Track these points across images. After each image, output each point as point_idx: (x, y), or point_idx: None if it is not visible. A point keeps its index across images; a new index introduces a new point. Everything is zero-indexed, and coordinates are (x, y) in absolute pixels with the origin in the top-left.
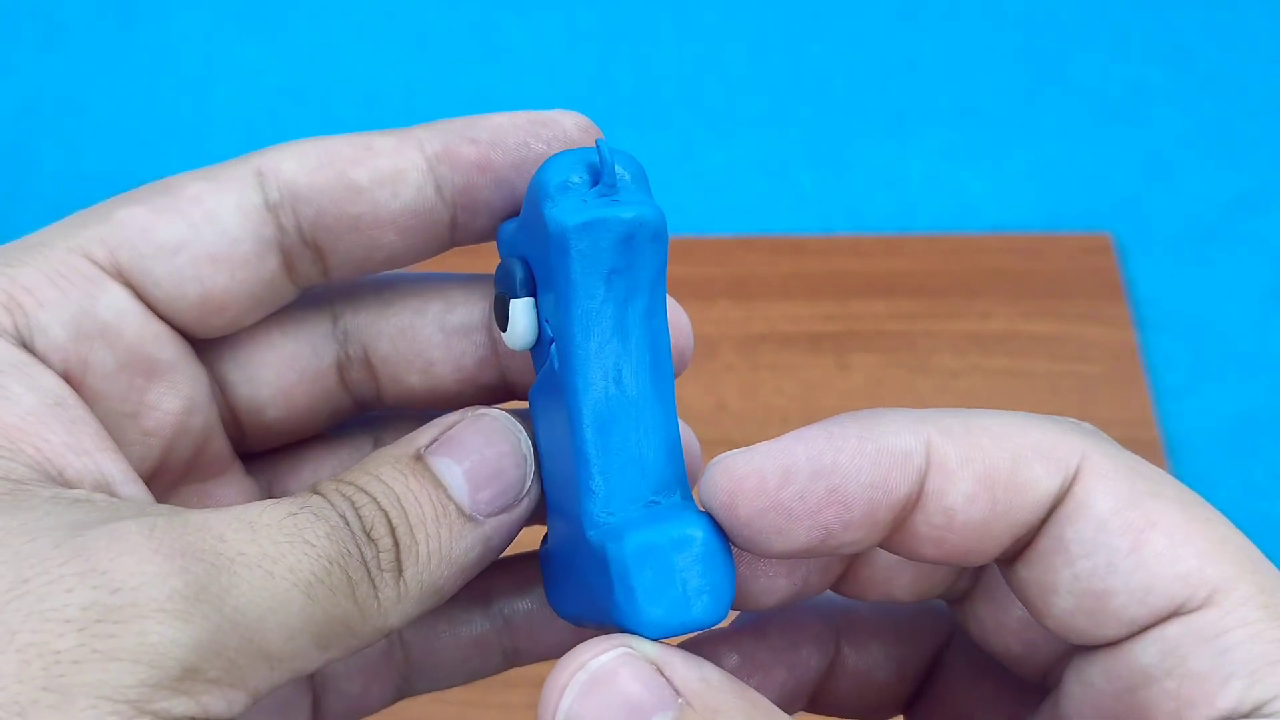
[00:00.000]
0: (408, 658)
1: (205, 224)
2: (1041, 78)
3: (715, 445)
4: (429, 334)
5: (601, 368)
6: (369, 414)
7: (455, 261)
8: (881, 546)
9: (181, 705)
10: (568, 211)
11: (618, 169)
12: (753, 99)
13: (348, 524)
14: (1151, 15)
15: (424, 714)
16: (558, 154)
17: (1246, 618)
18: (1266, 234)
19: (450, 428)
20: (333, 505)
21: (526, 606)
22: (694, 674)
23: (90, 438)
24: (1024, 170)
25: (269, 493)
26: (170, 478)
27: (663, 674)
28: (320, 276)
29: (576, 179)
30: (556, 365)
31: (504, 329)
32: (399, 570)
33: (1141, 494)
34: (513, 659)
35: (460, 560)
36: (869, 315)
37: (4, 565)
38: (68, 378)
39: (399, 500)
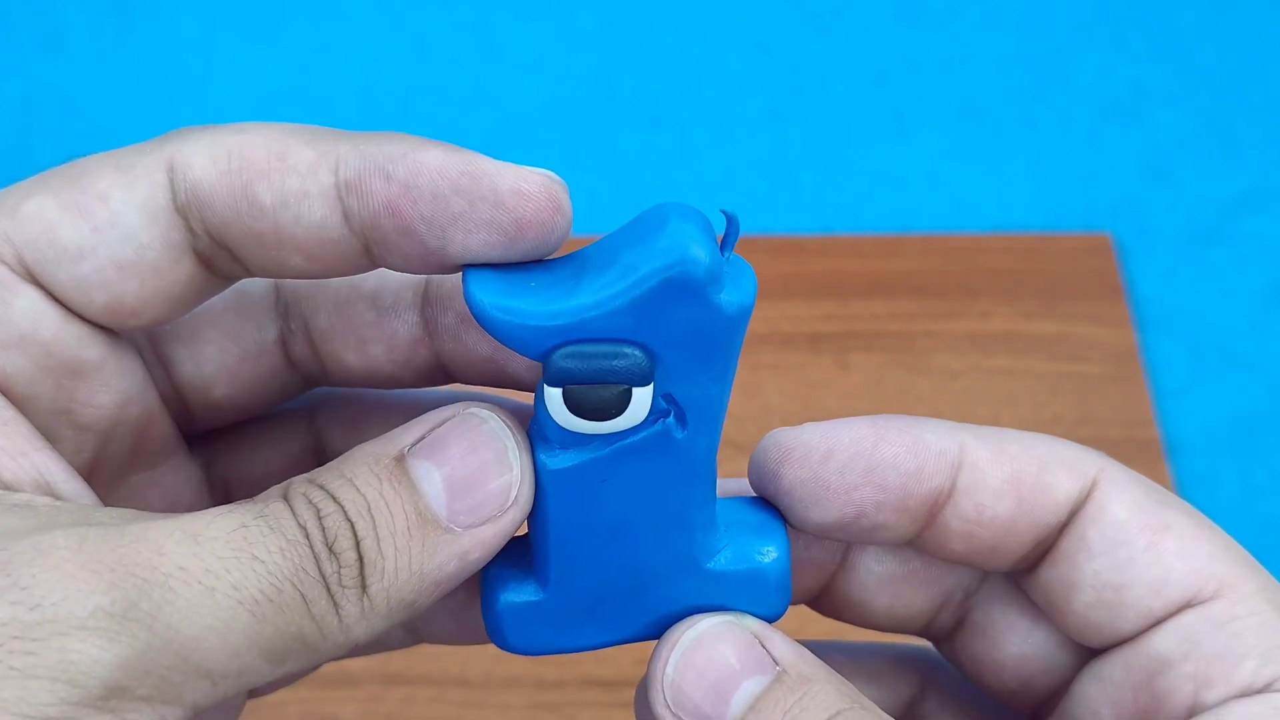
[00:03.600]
0: None
1: (110, 228)
2: (1041, 78)
3: None
4: (361, 310)
5: (720, 426)
6: (310, 393)
7: None
8: (914, 545)
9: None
10: (732, 289)
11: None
12: (753, 99)
13: (308, 537)
14: (1151, 16)
15: (424, 714)
16: (690, 224)
17: (1254, 608)
18: (1266, 234)
19: (438, 426)
20: (294, 514)
21: None
22: (790, 648)
23: (23, 438)
24: (1024, 170)
25: (207, 474)
26: (112, 469)
27: (763, 645)
28: (244, 273)
29: (709, 254)
30: (682, 445)
31: (610, 417)
32: (363, 586)
33: (1155, 503)
34: (417, 636)
35: (434, 576)
36: (869, 315)
37: None
38: None
39: (369, 509)
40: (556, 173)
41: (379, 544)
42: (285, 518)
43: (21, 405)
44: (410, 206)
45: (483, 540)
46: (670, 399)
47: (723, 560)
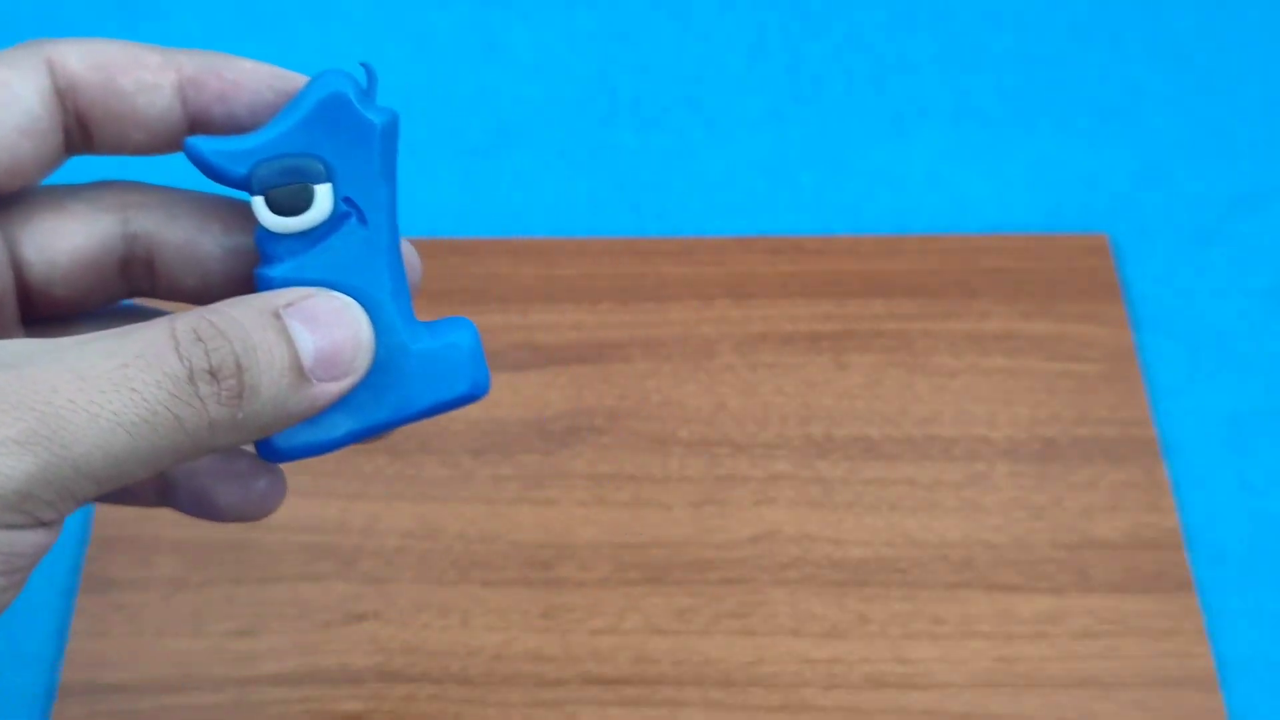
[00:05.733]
0: None
1: (14, 103)
2: (1039, 79)
3: (715, 445)
4: (209, 249)
5: (396, 224)
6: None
7: None
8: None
9: (18, 518)
10: (377, 112)
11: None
12: (752, 99)
13: (189, 368)
14: (1148, 16)
15: (425, 711)
16: (338, 72)
17: None
18: (1263, 234)
19: (304, 294)
20: (177, 348)
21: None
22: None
23: None
24: (1022, 171)
25: None
26: None
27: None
28: (87, 150)
29: (353, 84)
30: (364, 237)
31: (300, 213)
32: (238, 406)
33: None
34: (198, 507)
35: (289, 411)
36: (867, 315)
37: None
38: None
39: (255, 349)
40: (556, 172)
41: (259, 377)
42: (166, 353)
43: None
44: (236, 96)
45: (329, 393)
46: (350, 202)
47: (425, 343)
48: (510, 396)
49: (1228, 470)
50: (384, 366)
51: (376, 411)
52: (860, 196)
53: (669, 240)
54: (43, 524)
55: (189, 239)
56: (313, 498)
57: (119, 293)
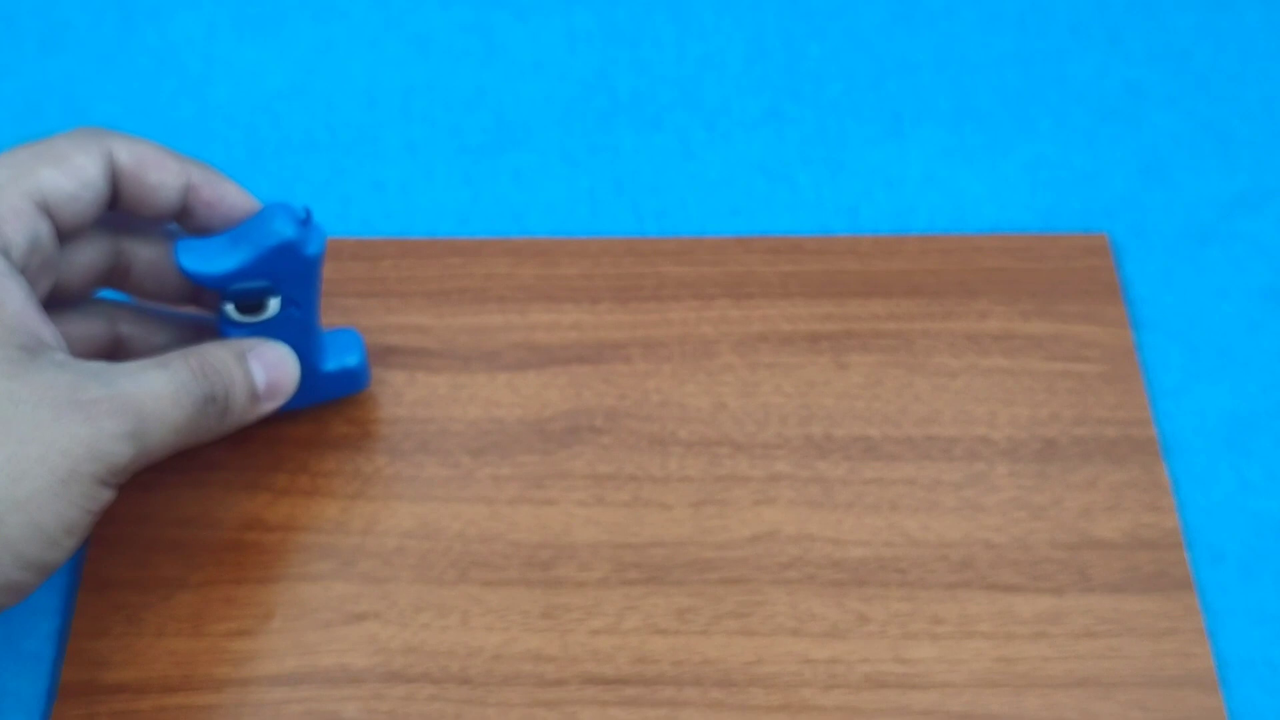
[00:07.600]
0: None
1: (91, 183)
2: (1038, 79)
3: (715, 445)
4: (167, 266)
5: (318, 304)
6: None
7: None
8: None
9: (114, 480)
10: (313, 240)
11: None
12: (751, 100)
13: (207, 392)
14: (1148, 16)
15: (424, 711)
16: (283, 214)
17: None
18: (1263, 234)
19: (258, 344)
20: (198, 382)
21: None
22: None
23: (40, 314)
24: (1021, 171)
25: None
26: None
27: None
28: (115, 207)
29: (295, 231)
30: (298, 317)
31: (262, 311)
32: (224, 419)
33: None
34: None
35: (249, 418)
36: (867, 315)
37: (30, 406)
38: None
39: (233, 380)
40: (556, 172)
41: (235, 400)
42: (194, 385)
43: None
44: (218, 206)
45: (269, 409)
46: (290, 298)
47: (330, 366)
48: (510, 396)
49: (1228, 470)
50: (312, 378)
51: (297, 402)
52: (859, 197)
53: (669, 240)
54: (117, 488)
55: (156, 259)
56: (313, 498)
57: (99, 288)
